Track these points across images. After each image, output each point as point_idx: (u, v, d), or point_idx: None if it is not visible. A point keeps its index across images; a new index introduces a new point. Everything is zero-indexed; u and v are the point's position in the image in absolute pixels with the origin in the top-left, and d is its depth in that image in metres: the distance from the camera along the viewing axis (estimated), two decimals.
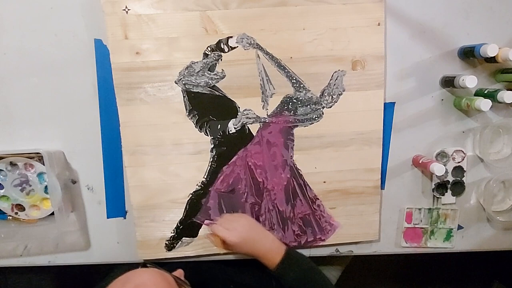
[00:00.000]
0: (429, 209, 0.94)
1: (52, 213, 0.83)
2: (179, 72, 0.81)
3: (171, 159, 0.85)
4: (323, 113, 0.86)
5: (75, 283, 1.55)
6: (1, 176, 0.83)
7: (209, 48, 0.81)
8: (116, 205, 0.88)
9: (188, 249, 0.89)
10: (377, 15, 0.83)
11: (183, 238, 0.89)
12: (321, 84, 0.85)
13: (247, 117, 0.85)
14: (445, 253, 0.98)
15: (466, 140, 0.92)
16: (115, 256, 0.91)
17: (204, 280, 0.82)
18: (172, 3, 0.78)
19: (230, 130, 0.85)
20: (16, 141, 0.83)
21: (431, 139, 0.91)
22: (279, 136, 0.86)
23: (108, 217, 0.89)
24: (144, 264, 0.64)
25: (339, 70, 0.84)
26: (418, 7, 0.85)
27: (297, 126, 0.86)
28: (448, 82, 0.86)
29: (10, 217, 0.87)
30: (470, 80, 0.79)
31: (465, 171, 0.91)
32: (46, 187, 0.83)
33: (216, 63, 0.82)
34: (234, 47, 0.82)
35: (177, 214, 0.87)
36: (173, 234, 0.88)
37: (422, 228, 0.95)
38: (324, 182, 0.89)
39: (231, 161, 0.86)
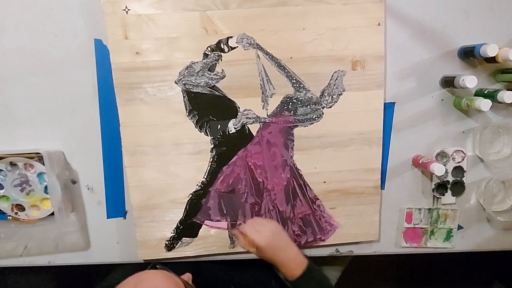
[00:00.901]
0: (429, 209, 0.94)
1: (52, 213, 0.83)
2: (179, 72, 0.81)
3: (171, 159, 0.84)
4: (323, 113, 0.86)
5: (75, 283, 1.55)
6: (1, 176, 0.83)
7: (209, 48, 0.81)
8: (116, 205, 0.88)
9: (188, 249, 0.89)
10: (377, 15, 0.83)
11: (183, 238, 0.89)
12: (321, 84, 0.85)
13: (247, 117, 0.85)
14: (445, 253, 0.98)
15: (466, 140, 0.92)
16: (115, 256, 0.91)
17: (204, 281, 0.82)
18: (172, 3, 0.78)
19: (230, 130, 0.85)
20: (16, 141, 0.83)
21: (431, 139, 0.91)
22: (279, 136, 0.86)
23: (108, 217, 0.89)
24: (154, 265, 0.63)
25: (339, 70, 0.84)
26: (418, 7, 0.85)
27: (297, 126, 0.86)
28: (448, 82, 0.86)
29: (10, 217, 0.87)
30: (470, 80, 0.79)
31: (465, 171, 0.91)
32: (46, 187, 0.83)
33: (216, 63, 0.82)
34: (234, 47, 0.82)
35: (177, 214, 0.87)
36: (173, 234, 0.88)
37: (422, 228, 0.95)
38: (324, 182, 0.89)
39: (231, 161, 0.86)
